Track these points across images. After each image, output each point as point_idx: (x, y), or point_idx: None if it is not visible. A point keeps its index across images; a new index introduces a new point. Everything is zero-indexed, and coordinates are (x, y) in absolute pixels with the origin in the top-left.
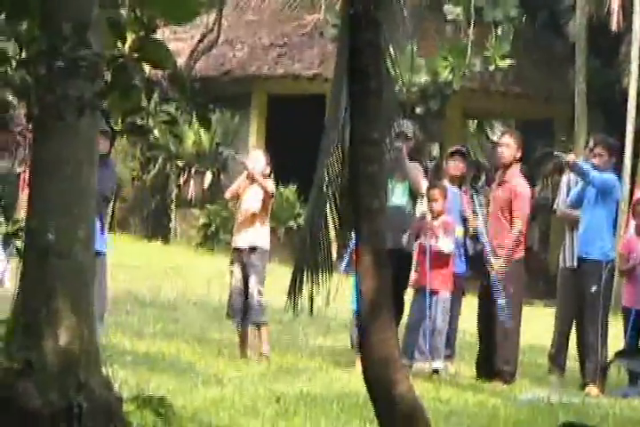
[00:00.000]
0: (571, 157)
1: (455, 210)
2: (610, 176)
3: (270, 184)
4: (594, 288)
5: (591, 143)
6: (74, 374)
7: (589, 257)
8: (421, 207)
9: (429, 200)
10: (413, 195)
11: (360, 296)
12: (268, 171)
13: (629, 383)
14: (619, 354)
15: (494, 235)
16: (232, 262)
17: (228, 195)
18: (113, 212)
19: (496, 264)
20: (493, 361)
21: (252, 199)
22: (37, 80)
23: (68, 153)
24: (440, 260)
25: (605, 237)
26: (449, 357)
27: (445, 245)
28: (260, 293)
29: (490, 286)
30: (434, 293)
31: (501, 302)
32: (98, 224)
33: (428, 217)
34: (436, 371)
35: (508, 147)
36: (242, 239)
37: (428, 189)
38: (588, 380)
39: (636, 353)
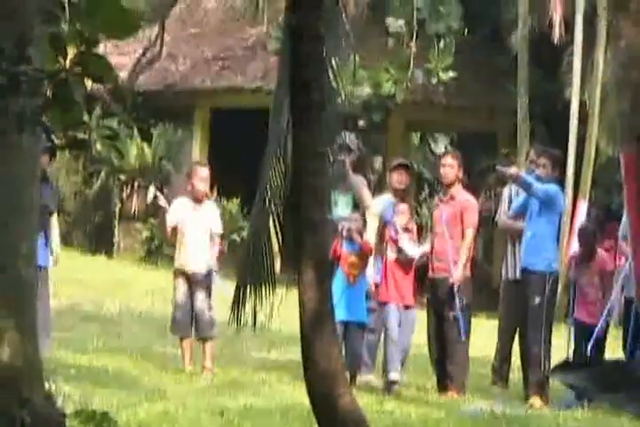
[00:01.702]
0: (514, 170)
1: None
2: (553, 187)
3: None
4: (537, 300)
5: (532, 154)
6: (16, 390)
7: (533, 269)
8: (371, 221)
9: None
10: (357, 207)
11: (302, 309)
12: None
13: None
14: (555, 369)
15: (440, 252)
16: (176, 276)
17: (169, 228)
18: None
19: (456, 276)
20: (446, 373)
21: (201, 226)
22: None
23: (9, 169)
24: (405, 269)
25: (549, 249)
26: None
27: (410, 248)
28: (210, 307)
29: (444, 299)
30: (406, 307)
31: (458, 313)
32: (41, 239)
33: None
34: (393, 382)
35: (452, 168)
36: (195, 263)
37: (398, 203)
38: (532, 392)
39: (571, 367)
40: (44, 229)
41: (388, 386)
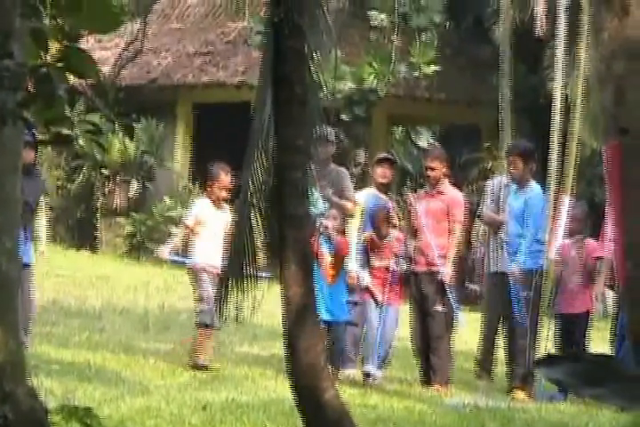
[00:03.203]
0: (501, 218)
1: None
2: (535, 192)
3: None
4: (524, 294)
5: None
6: None
7: (520, 264)
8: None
9: (378, 220)
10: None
11: (285, 303)
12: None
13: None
14: (538, 362)
15: (424, 246)
16: (199, 272)
17: (187, 228)
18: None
19: (446, 272)
20: (430, 366)
21: (221, 225)
22: None
23: None
24: (394, 277)
25: (535, 245)
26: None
27: (401, 265)
28: None
29: (428, 294)
30: (388, 305)
31: (455, 308)
32: (23, 235)
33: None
34: (367, 375)
35: (434, 170)
36: (218, 259)
37: (381, 211)
38: (516, 385)
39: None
40: (25, 224)
41: (364, 378)
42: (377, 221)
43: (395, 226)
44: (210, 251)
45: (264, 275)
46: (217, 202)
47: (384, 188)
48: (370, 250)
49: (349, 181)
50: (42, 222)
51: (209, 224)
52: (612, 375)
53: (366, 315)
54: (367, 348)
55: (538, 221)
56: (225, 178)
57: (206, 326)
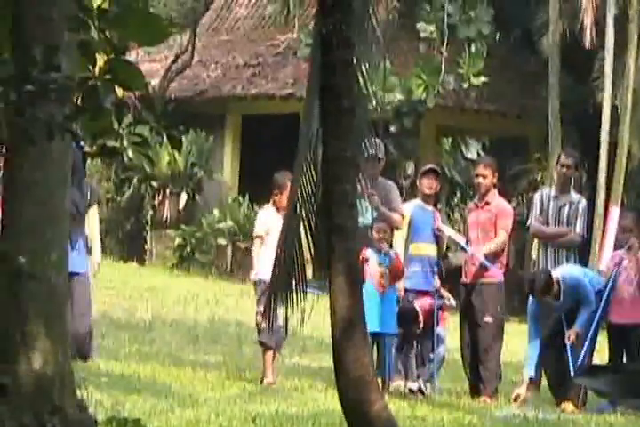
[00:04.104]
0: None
1: (427, 229)
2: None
3: None
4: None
5: (563, 158)
6: (48, 397)
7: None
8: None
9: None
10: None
11: (332, 315)
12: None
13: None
14: (579, 372)
15: (474, 257)
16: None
17: (257, 238)
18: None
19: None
20: (479, 378)
21: None
22: (7, 104)
23: (39, 176)
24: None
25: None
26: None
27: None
28: None
29: (478, 304)
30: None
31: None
32: (81, 244)
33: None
34: (411, 391)
35: (485, 178)
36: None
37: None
38: (565, 397)
39: (596, 372)
40: (80, 234)
41: (410, 393)
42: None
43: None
44: (264, 266)
45: (313, 287)
46: (283, 211)
47: (430, 199)
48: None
49: (397, 194)
50: (95, 234)
51: (276, 234)
52: None
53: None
54: (413, 363)
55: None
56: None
57: (266, 344)
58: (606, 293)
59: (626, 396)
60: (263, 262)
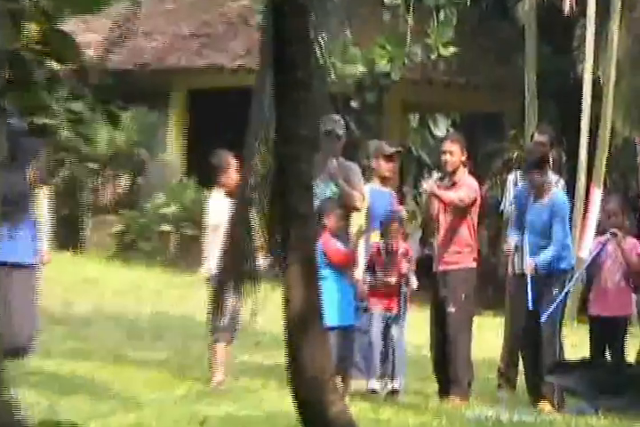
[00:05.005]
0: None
1: (380, 211)
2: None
3: None
4: (554, 297)
5: (536, 135)
6: None
7: (550, 266)
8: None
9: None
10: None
11: (287, 308)
12: None
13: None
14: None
15: (444, 244)
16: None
17: (211, 228)
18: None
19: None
20: (448, 376)
21: None
22: None
23: None
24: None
25: (566, 246)
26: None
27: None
28: None
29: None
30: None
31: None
32: (26, 231)
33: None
34: (373, 391)
35: (453, 154)
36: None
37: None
38: (541, 396)
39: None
40: (24, 220)
41: (371, 393)
42: (387, 232)
43: (405, 237)
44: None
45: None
46: (232, 194)
47: (388, 182)
48: (374, 264)
49: (359, 177)
50: (43, 219)
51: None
52: (633, 384)
53: (369, 327)
54: (370, 361)
55: (565, 226)
56: (235, 165)
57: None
58: (584, 266)
59: (599, 396)
60: (216, 255)
